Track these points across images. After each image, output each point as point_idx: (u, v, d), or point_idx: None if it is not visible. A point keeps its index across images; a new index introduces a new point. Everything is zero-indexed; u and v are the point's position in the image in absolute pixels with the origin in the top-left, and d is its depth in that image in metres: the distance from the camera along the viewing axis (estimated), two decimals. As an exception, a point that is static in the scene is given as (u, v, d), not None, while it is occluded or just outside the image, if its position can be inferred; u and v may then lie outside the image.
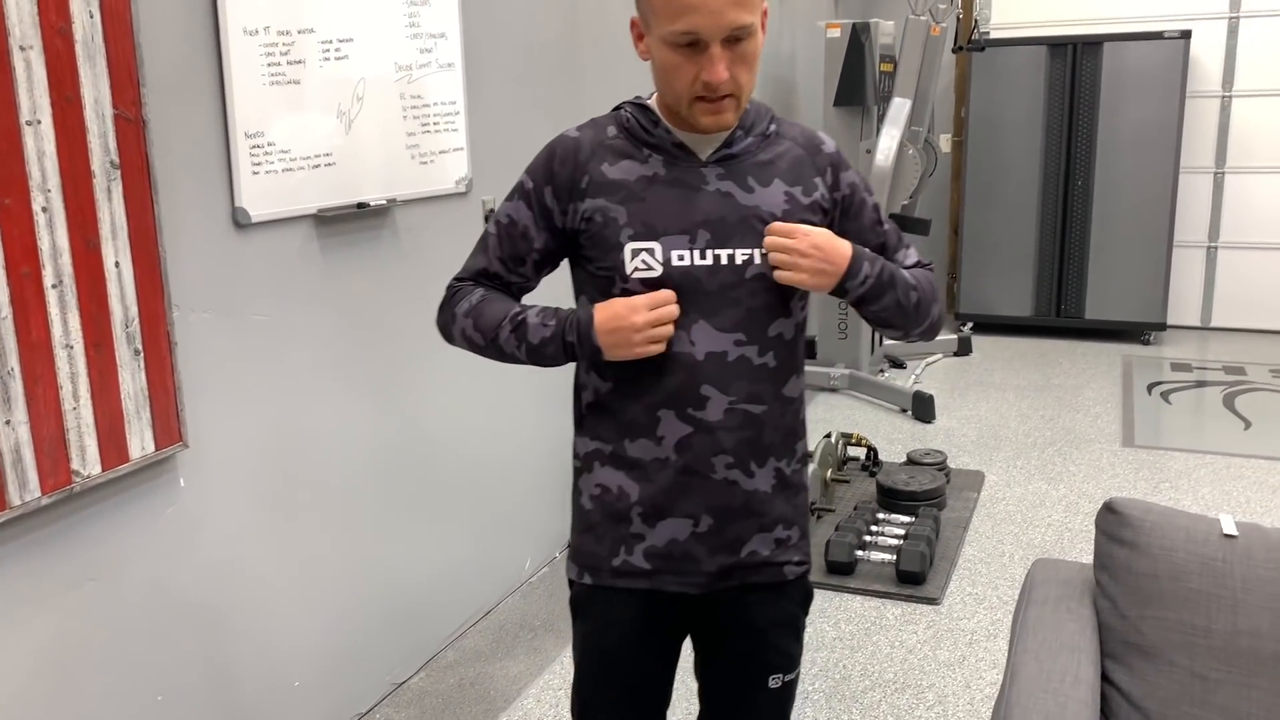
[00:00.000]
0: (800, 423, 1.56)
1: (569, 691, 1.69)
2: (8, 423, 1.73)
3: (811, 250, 1.43)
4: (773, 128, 1.53)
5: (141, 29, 1.93)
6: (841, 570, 3.40)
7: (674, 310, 1.42)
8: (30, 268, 1.76)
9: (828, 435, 4.16)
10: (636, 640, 1.57)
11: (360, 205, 2.53)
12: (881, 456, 4.53)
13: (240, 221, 2.22)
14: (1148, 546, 1.72)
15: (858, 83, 5.29)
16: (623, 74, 3.82)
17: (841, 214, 1.54)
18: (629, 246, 1.43)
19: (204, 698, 2.22)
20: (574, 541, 1.59)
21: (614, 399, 1.49)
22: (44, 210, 1.77)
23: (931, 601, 3.25)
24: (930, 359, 6.18)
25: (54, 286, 1.80)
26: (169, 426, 2.05)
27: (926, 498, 3.84)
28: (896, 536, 3.58)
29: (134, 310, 1.95)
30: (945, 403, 5.30)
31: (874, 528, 3.64)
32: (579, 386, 1.56)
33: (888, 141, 5.00)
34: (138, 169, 1.94)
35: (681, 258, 1.43)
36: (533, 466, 3.45)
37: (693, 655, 1.67)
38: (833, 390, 5.59)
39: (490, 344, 1.50)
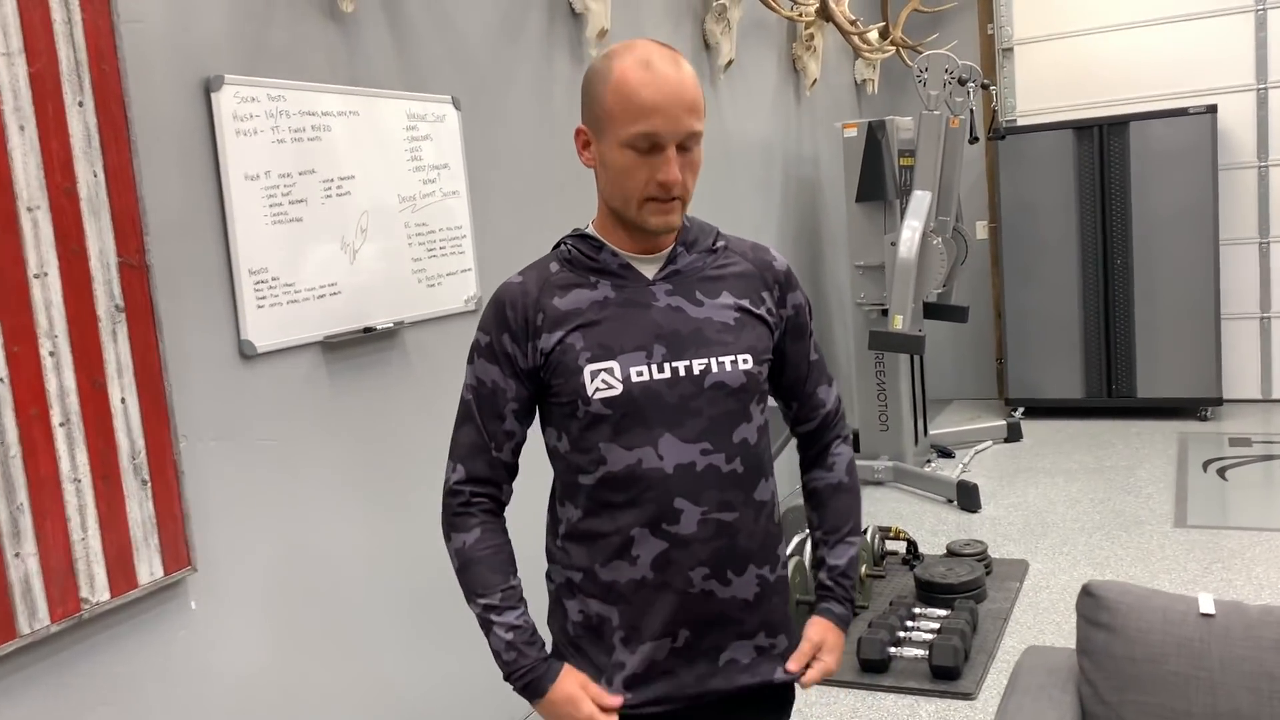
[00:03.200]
0: (777, 527, 1.55)
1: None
2: (17, 555, 1.85)
3: (837, 660, 1.60)
4: (720, 243, 1.57)
5: (144, 182, 2.10)
6: (874, 668, 3.34)
7: None
8: (39, 408, 1.89)
9: (864, 530, 4.13)
10: None
11: (367, 330, 2.66)
12: (923, 549, 4.46)
13: (246, 353, 2.35)
14: (1124, 629, 1.70)
15: (877, 179, 5.39)
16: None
17: (784, 333, 1.58)
18: (588, 369, 1.44)
19: (220, 819, 2.27)
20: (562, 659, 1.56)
21: (587, 524, 1.50)
22: (51, 354, 1.91)
23: (966, 697, 3.17)
24: (980, 447, 6.10)
25: (61, 425, 1.93)
26: (177, 552, 2.15)
27: (964, 590, 3.77)
28: (931, 631, 3.51)
29: (140, 443, 2.08)
30: (992, 490, 5.22)
31: (909, 623, 3.58)
32: (554, 519, 1.58)
33: (909, 233, 5.06)
34: (142, 311, 2.09)
35: (640, 373, 1.45)
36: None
37: None
38: (877, 483, 5.54)
39: (462, 589, 1.52)
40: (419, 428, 2.87)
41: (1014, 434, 6.18)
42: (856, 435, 5.89)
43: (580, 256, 1.51)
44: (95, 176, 1.99)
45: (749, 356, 1.49)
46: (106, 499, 2.01)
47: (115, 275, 2.03)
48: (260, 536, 2.38)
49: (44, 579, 1.89)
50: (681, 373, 1.46)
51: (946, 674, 3.24)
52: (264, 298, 2.39)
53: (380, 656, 2.72)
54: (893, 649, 3.39)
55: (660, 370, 1.45)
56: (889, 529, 4.32)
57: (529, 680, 1.48)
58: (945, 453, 6.01)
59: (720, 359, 1.47)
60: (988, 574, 4.03)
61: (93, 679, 2.02)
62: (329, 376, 2.59)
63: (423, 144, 2.87)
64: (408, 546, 2.82)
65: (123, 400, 2.05)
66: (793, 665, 1.55)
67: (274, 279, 2.42)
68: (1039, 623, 3.65)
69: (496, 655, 1.49)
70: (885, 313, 5.43)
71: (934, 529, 4.76)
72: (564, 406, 1.48)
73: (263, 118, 2.39)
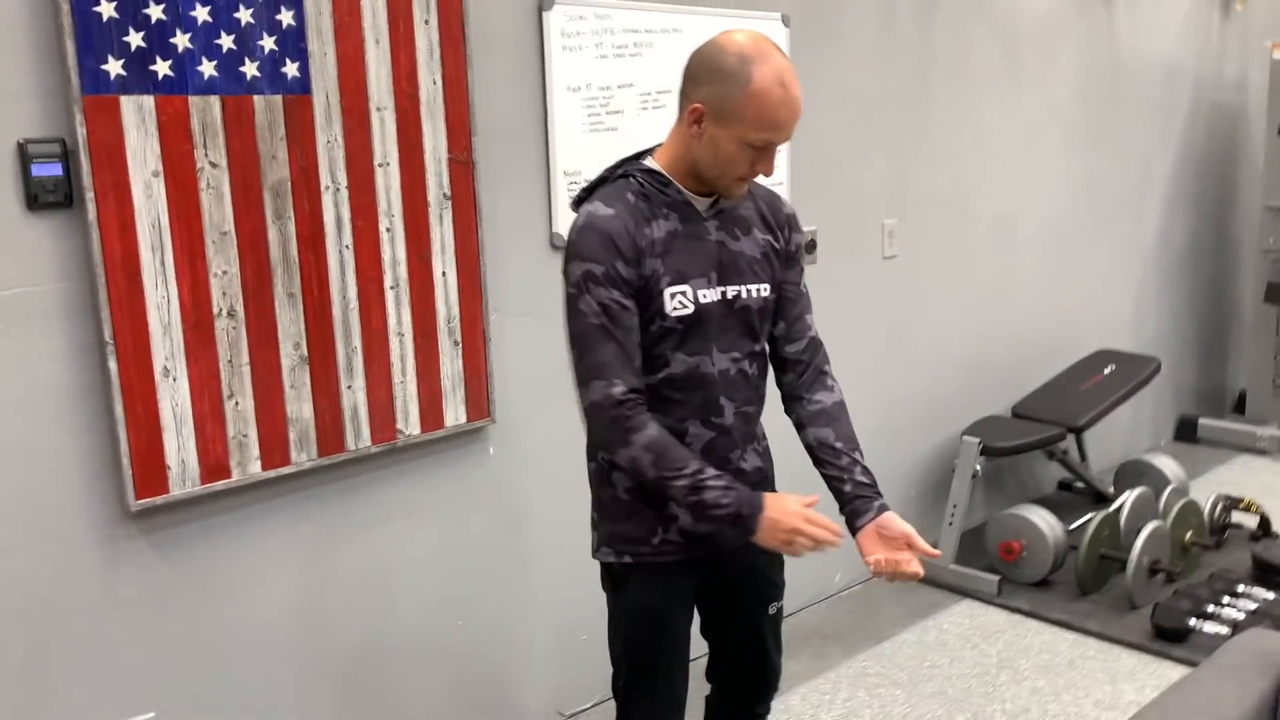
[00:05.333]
0: (760, 414, 1.92)
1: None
2: (349, 387, 2.33)
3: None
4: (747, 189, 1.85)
5: (476, 90, 2.46)
6: (1169, 636, 3.14)
7: (823, 535, 1.69)
8: (374, 273, 2.34)
9: (1223, 499, 3.81)
10: (676, 599, 1.89)
11: (670, 233, 2.90)
12: (1277, 528, 4.00)
13: (556, 244, 2.69)
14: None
15: (1306, 108, 4.69)
16: (971, 112, 3.84)
17: (782, 262, 1.88)
18: (668, 291, 1.73)
19: (495, 631, 2.72)
20: (611, 529, 1.87)
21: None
22: (388, 230, 2.36)
23: (1266, 686, 2.90)
24: None
25: (392, 288, 2.38)
26: (480, 404, 2.57)
27: (1307, 577, 3.38)
28: (1248, 612, 3.21)
29: (455, 310, 2.49)
30: (1403, 479, 4.50)
31: (1226, 598, 3.29)
32: None
33: (1334, 174, 4.38)
34: (466, 200, 2.48)
35: (704, 295, 1.77)
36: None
37: (700, 623, 2.01)
38: (1260, 453, 4.97)
39: (658, 482, 1.69)
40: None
41: None
42: (1242, 396, 5.30)
43: (653, 190, 1.77)
44: (434, 84, 2.38)
45: (768, 285, 1.84)
46: (423, 352, 2.45)
47: (445, 169, 2.43)
48: (550, 403, 2.75)
49: (369, 409, 2.37)
50: (728, 296, 1.80)
51: (1249, 658, 2.97)
52: (575, 196, 2.71)
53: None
54: (1194, 620, 3.15)
55: (714, 294, 1.78)
56: (1239, 499, 3.92)
57: (754, 505, 1.70)
58: (1361, 430, 5.21)
59: (749, 287, 1.81)
60: (1349, 567, 3.56)
61: (401, 495, 2.50)
62: (631, 272, 2.87)
63: (746, 60, 3.02)
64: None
65: (443, 274, 2.46)
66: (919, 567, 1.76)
67: (587, 181, 2.72)
68: (1394, 629, 3.20)
69: (716, 506, 1.69)
70: (1294, 262, 4.78)
71: (1309, 510, 4.23)
72: (641, 320, 1.75)
73: (588, 34, 2.67)
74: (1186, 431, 5.21)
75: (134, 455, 2.05)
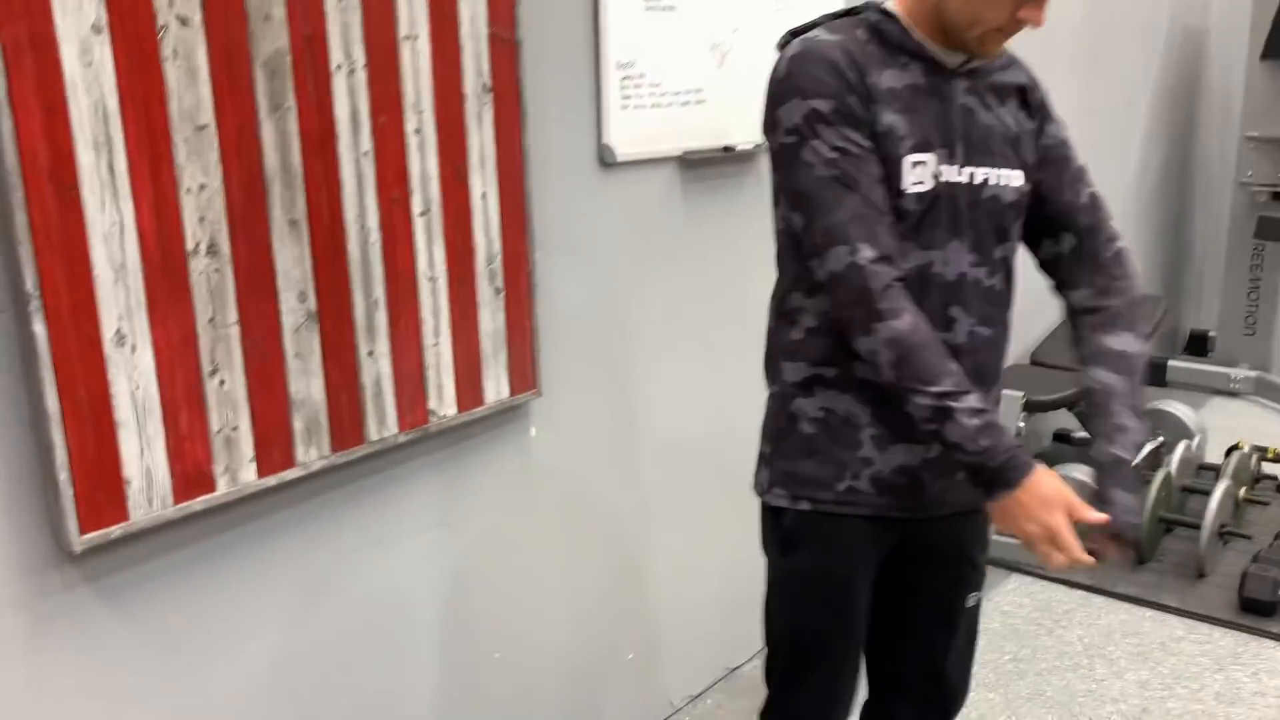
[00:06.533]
0: (1005, 352, 1.53)
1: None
2: (370, 354, 1.66)
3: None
4: (1006, 50, 1.46)
5: (521, -58, 1.80)
6: (1260, 610, 2.82)
7: (1074, 548, 1.30)
8: (400, 192, 1.67)
9: (1236, 446, 3.51)
10: (858, 568, 1.50)
11: (726, 149, 2.32)
12: (1305, 477, 3.77)
13: (606, 160, 2.07)
14: None
15: (1297, 31, 4.45)
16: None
17: (1043, 161, 1.46)
18: (908, 159, 1.33)
19: (540, 660, 2.11)
20: (786, 467, 1.48)
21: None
22: (416, 132, 1.68)
23: (1387, 663, 2.60)
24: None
25: (422, 214, 1.71)
26: (524, 372, 1.93)
27: (1374, 533, 3.12)
28: (1335, 576, 2.91)
29: (497, 246, 1.84)
30: (1385, 420, 4.38)
31: (1303, 562, 3.00)
32: (793, 311, 1.45)
33: (1335, 100, 4.16)
34: (510, 95, 1.82)
35: (946, 173, 1.36)
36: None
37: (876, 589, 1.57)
38: (1232, 394, 4.79)
39: (897, 389, 1.32)
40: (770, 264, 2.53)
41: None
42: (1193, 336, 5.11)
43: (890, 32, 1.37)
44: (473, -73, 1.71)
45: (1021, 174, 1.43)
46: (460, 304, 1.79)
47: (485, 49, 1.76)
48: (600, 367, 2.14)
49: (394, 384, 1.71)
50: (975, 180, 1.39)
51: (1360, 632, 2.67)
52: (629, 97, 2.08)
53: (711, 512, 2.47)
54: (1285, 591, 2.84)
55: (958, 173, 1.37)
56: (1266, 449, 3.66)
57: (1014, 462, 1.30)
58: (1317, 369, 5.12)
59: (999, 171, 1.41)
60: (1398, 518, 3.34)
61: (432, 497, 1.85)
62: (683, 198, 2.27)
63: (806, -65, 2.44)
64: (748, 390, 2.53)
65: (483, 195, 1.81)
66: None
67: (640, 76, 2.10)
68: None
69: (959, 446, 1.30)
70: (1279, 196, 4.57)
71: (1311, 455, 4.03)
72: None
73: (646, -119, 2.03)
74: (1155, 374, 4.98)
75: (76, 466, 1.34)
